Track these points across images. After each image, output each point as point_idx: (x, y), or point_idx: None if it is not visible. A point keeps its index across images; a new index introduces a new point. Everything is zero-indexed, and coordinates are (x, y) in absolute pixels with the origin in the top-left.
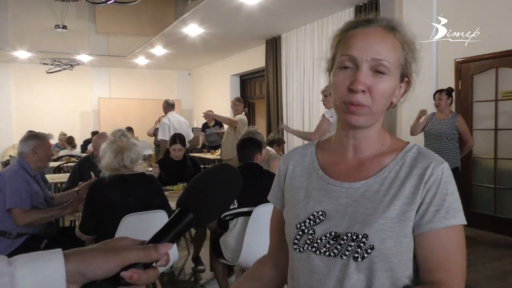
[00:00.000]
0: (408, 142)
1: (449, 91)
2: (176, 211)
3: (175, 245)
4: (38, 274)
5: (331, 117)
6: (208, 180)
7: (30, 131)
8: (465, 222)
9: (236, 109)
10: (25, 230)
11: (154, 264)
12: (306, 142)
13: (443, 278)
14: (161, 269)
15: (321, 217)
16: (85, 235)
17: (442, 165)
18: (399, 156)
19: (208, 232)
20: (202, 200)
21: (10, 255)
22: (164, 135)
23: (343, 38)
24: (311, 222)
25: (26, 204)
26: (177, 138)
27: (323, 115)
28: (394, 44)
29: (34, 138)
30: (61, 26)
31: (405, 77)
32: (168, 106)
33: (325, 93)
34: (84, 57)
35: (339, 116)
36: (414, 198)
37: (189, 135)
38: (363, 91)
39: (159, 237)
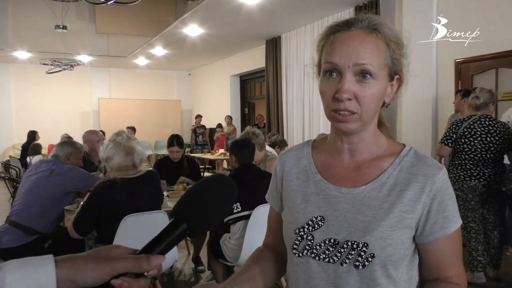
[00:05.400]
0: (404, 145)
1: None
2: (170, 221)
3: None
4: (28, 280)
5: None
6: (203, 191)
7: (67, 137)
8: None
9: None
10: (42, 229)
11: (145, 274)
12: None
13: (454, 273)
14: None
15: (320, 222)
16: (75, 233)
17: (442, 171)
18: (397, 160)
19: (207, 232)
20: (197, 211)
21: (15, 249)
22: None
23: (326, 43)
24: (310, 227)
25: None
26: (175, 140)
27: None
28: (377, 45)
29: (70, 146)
30: (61, 27)
31: (395, 74)
32: None
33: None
34: (84, 58)
35: (331, 123)
36: (414, 207)
37: None
38: (349, 99)
39: (152, 247)
